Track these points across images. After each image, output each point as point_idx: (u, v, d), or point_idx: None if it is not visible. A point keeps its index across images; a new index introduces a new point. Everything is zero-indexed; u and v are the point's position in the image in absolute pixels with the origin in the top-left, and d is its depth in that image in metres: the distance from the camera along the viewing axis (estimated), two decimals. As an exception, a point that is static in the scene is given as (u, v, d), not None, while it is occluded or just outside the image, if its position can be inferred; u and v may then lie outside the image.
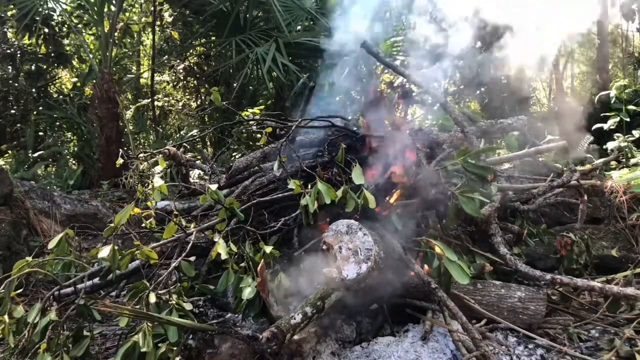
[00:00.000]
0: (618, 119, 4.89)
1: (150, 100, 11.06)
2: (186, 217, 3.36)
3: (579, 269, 3.35)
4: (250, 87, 9.91)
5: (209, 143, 10.64)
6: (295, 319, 2.24)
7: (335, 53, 4.51)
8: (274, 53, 7.57)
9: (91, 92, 8.63)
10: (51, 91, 10.20)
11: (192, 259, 2.66)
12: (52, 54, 9.48)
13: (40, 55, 9.59)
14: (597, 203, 3.93)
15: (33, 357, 2.24)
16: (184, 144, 6.27)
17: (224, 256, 2.45)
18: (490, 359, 2.32)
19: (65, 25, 9.15)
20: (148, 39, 11.82)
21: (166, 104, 12.42)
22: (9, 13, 9.11)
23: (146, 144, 10.26)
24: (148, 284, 2.43)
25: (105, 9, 7.98)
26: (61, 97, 9.57)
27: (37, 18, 8.06)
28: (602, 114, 5.85)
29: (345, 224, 2.61)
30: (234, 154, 8.50)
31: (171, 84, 12.07)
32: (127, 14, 10.64)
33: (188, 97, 12.34)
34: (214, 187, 2.73)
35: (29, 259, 2.51)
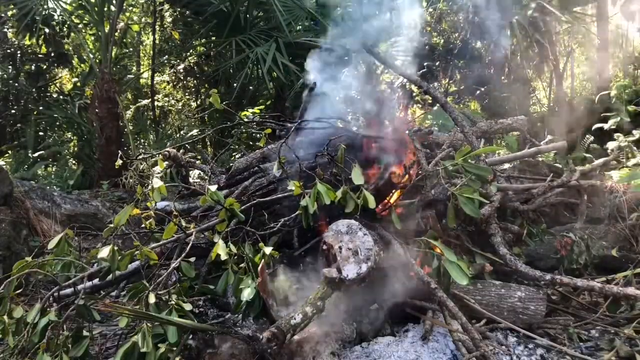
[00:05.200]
0: (618, 119, 4.88)
1: (150, 100, 11.06)
2: (186, 218, 3.36)
3: (579, 269, 3.35)
4: (251, 87, 9.91)
5: (209, 143, 10.64)
6: (295, 319, 2.24)
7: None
8: (274, 53, 7.58)
9: (91, 92, 8.63)
10: (51, 91, 10.20)
11: (192, 259, 2.67)
12: (52, 54, 9.49)
13: (40, 55, 9.59)
14: (597, 203, 3.92)
15: (32, 357, 2.24)
16: (185, 144, 6.28)
17: (223, 257, 2.45)
18: (490, 359, 2.32)
19: (66, 26, 9.15)
20: (148, 39, 11.82)
21: (166, 104, 12.41)
22: (9, 13, 9.11)
23: (146, 144, 10.25)
24: (148, 285, 2.43)
25: (106, 9, 7.98)
26: (61, 97, 9.58)
27: (38, 18, 8.06)
28: (602, 114, 5.85)
29: (346, 224, 2.61)
30: (234, 154, 8.50)
31: (171, 84, 12.06)
32: (127, 14, 10.64)
33: (188, 97, 12.34)
34: (213, 188, 2.73)
35: (29, 259, 2.51)
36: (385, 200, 3.17)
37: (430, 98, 6.48)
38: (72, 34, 9.30)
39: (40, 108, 9.25)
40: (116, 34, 8.87)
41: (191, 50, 10.91)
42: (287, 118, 4.41)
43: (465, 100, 10.00)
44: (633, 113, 5.48)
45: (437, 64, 9.25)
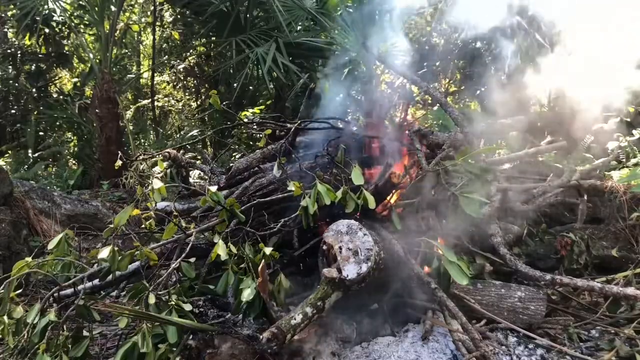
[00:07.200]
0: (618, 119, 4.87)
1: (150, 100, 11.06)
2: (186, 218, 3.36)
3: (579, 269, 3.35)
4: (251, 87, 9.91)
5: (209, 143, 10.64)
6: (295, 319, 2.24)
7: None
8: (274, 53, 7.57)
9: (91, 92, 8.64)
10: (51, 91, 10.21)
11: (192, 260, 2.67)
12: (52, 54, 9.49)
13: (40, 55, 9.59)
14: (597, 203, 3.92)
15: (32, 357, 2.24)
16: (185, 145, 6.28)
17: (223, 257, 2.45)
18: (490, 359, 2.32)
19: (66, 26, 9.16)
20: (148, 39, 11.82)
21: (166, 104, 12.41)
22: (9, 13, 9.11)
23: (146, 144, 10.25)
24: (148, 285, 2.43)
25: (106, 9, 7.98)
26: (61, 97, 9.58)
27: (38, 18, 8.06)
28: (602, 114, 5.84)
29: (346, 224, 2.61)
30: (234, 154, 8.50)
31: (171, 84, 12.07)
32: (127, 14, 10.64)
33: (188, 97, 12.34)
34: (213, 188, 2.73)
35: (29, 259, 2.50)
36: (386, 200, 3.17)
37: (430, 98, 6.48)
38: (72, 34, 9.30)
39: (40, 108, 9.26)
40: (116, 34, 8.86)
41: (191, 50, 10.91)
42: (286, 118, 4.40)
43: (465, 100, 9.99)
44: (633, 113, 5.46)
45: (437, 63, 9.24)
